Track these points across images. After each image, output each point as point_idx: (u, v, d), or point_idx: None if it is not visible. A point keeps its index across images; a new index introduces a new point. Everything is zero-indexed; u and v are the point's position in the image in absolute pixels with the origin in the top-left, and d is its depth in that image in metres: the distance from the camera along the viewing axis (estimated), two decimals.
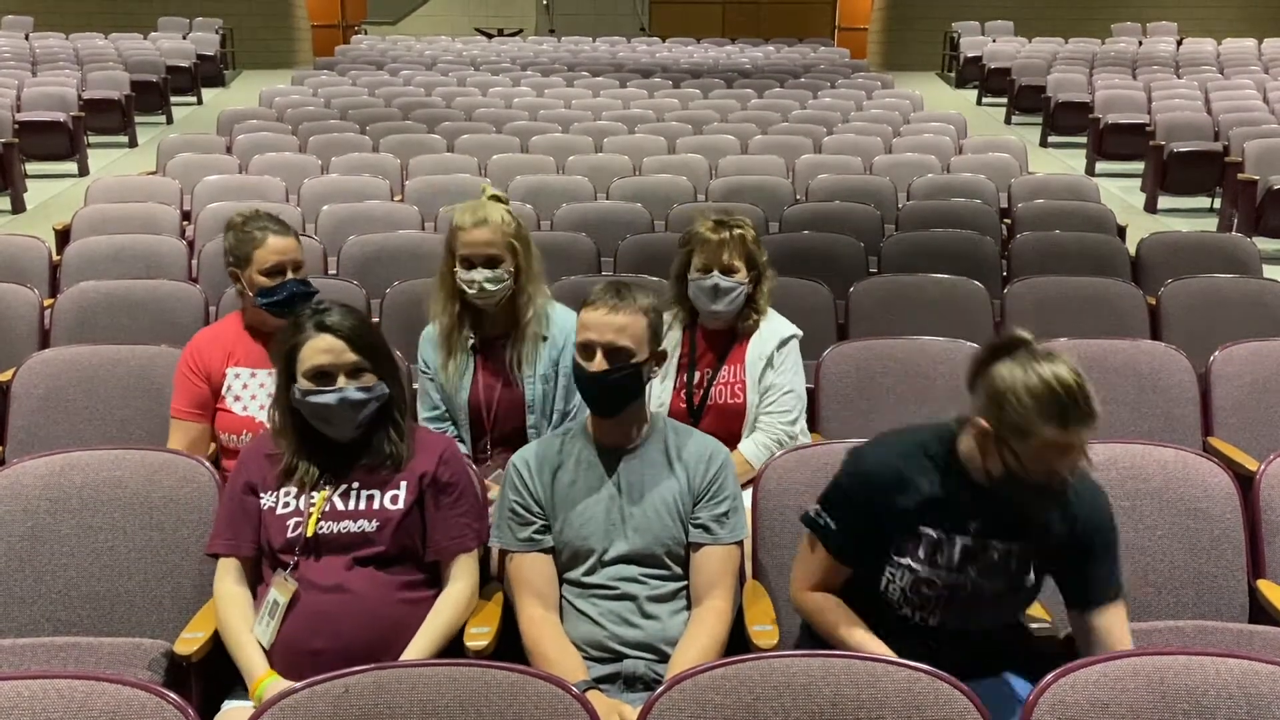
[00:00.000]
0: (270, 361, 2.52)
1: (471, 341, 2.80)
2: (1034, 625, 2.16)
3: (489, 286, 2.72)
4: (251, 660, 2.06)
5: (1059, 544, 1.98)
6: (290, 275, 2.73)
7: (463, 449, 2.78)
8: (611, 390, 2.17)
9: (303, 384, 2.11)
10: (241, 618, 2.10)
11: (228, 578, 2.15)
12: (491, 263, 2.72)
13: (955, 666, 1.79)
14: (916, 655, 1.87)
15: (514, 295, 2.76)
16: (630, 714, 1.95)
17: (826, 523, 2.06)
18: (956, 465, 1.97)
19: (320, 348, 2.11)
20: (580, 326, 2.21)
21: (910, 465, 1.99)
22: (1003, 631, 2.10)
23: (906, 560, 1.99)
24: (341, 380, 2.11)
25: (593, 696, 1.93)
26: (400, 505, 2.15)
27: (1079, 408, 1.79)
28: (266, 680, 2.02)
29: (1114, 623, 1.98)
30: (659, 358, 2.25)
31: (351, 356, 2.12)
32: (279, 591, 2.08)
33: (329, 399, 2.10)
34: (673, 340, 2.92)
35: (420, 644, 2.09)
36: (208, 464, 2.42)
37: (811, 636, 2.14)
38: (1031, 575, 2.00)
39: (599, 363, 2.15)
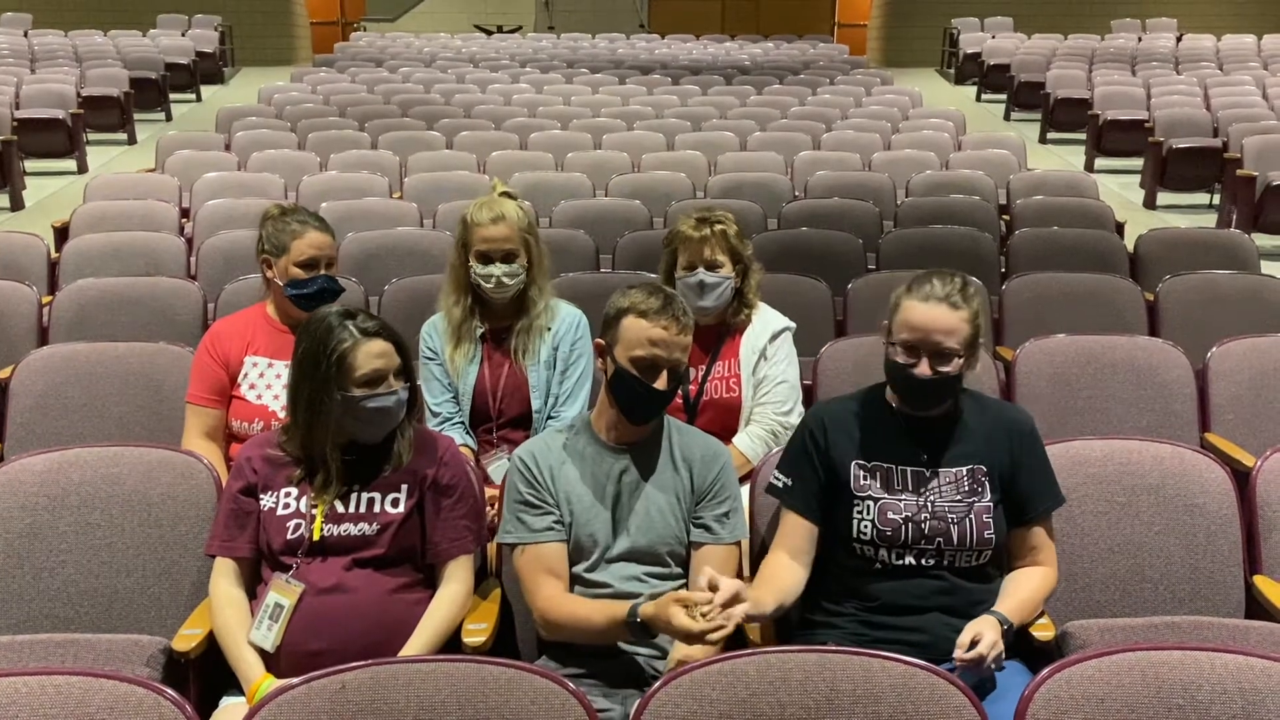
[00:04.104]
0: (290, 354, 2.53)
1: (481, 331, 2.86)
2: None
3: (507, 281, 2.81)
4: (248, 664, 2.05)
5: (1002, 457, 2.15)
6: (323, 271, 2.77)
7: (461, 435, 2.81)
8: (664, 404, 2.20)
9: (356, 390, 2.10)
10: (237, 621, 2.10)
11: (223, 579, 2.15)
12: (509, 257, 2.81)
13: (948, 634, 1.99)
14: (906, 607, 2.08)
15: (524, 288, 2.85)
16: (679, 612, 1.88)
17: (785, 483, 2.20)
18: (890, 406, 2.19)
19: (374, 352, 2.12)
20: (643, 340, 2.15)
21: (846, 409, 2.22)
22: (986, 585, 2.16)
23: (867, 492, 2.13)
24: (392, 382, 2.13)
25: (648, 611, 1.94)
26: (400, 509, 2.15)
27: (930, 278, 2.11)
28: (264, 683, 2.01)
29: (1044, 533, 2.19)
30: None
31: (398, 359, 2.16)
32: (282, 594, 2.08)
33: (388, 402, 2.12)
34: None
35: (417, 642, 2.09)
36: (205, 461, 2.42)
37: (797, 629, 2.18)
38: (987, 493, 2.12)
39: (664, 381, 2.15)
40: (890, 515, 2.11)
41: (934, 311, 2.07)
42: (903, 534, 2.10)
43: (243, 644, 2.07)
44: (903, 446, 2.15)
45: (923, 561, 2.11)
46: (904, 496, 2.12)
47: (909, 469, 2.14)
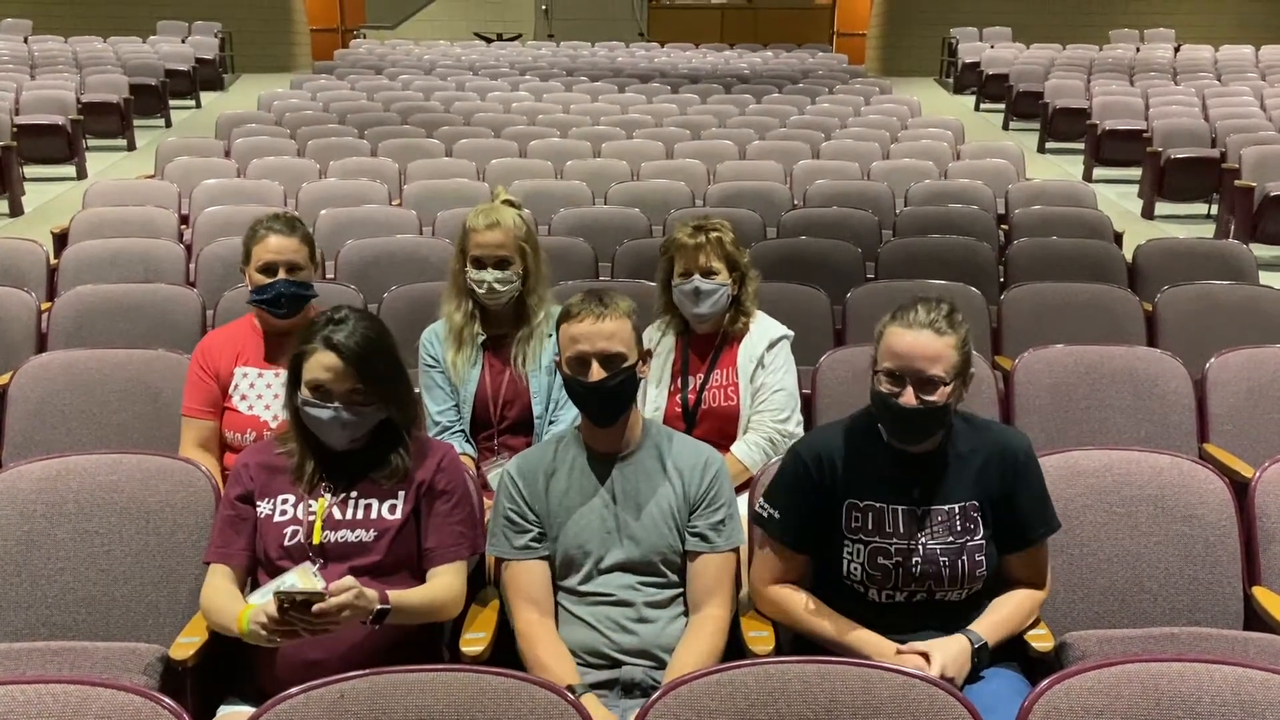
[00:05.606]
0: (278, 362, 2.52)
1: (482, 338, 2.88)
2: (1029, 635, 2.16)
3: (498, 287, 2.82)
4: (233, 611, 2.04)
5: (995, 487, 2.09)
6: (283, 275, 2.75)
7: (461, 444, 2.81)
8: (611, 398, 2.18)
9: (304, 392, 2.13)
10: (229, 594, 2.09)
11: (215, 579, 2.14)
12: (502, 264, 2.83)
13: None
14: (902, 625, 2.05)
15: (523, 295, 2.87)
16: None
17: (770, 514, 2.15)
18: (881, 437, 2.09)
19: (323, 364, 2.10)
20: (568, 340, 2.18)
21: (838, 442, 2.13)
22: (979, 605, 2.14)
23: (858, 535, 2.08)
24: (337, 400, 2.11)
25: (588, 702, 1.93)
26: (398, 515, 2.15)
27: (914, 305, 2.03)
28: (249, 609, 2.00)
29: (1038, 558, 2.17)
30: (645, 358, 2.27)
31: (350, 381, 2.10)
32: (301, 578, 2.05)
33: (322, 414, 2.11)
34: (666, 347, 2.95)
35: (406, 595, 2.07)
36: (204, 469, 2.42)
37: (796, 639, 2.16)
38: (980, 530, 2.08)
39: (596, 372, 2.15)
40: (880, 560, 2.07)
41: (919, 337, 2.00)
42: (893, 577, 2.07)
43: (230, 597, 2.07)
44: (894, 483, 2.09)
45: (913, 600, 2.09)
46: (894, 539, 2.07)
47: (900, 509, 2.08)
